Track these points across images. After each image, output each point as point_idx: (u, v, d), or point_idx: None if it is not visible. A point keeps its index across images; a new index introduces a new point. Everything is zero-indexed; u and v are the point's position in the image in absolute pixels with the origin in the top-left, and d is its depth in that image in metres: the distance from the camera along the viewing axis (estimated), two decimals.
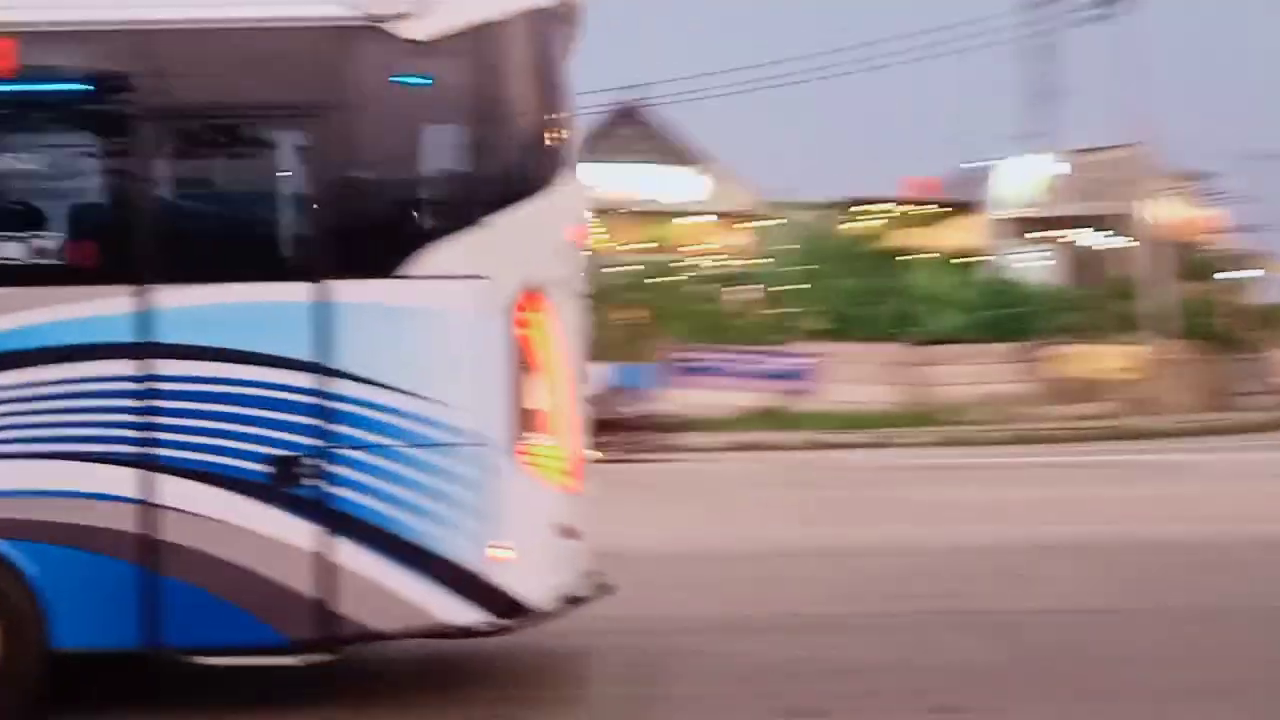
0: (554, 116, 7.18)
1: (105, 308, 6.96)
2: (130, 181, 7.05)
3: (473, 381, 6.95)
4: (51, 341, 6.96)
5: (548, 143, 7.14)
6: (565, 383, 7.18)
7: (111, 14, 7.02)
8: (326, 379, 6.93)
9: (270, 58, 7.00)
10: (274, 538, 6.94)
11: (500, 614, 7.03)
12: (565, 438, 7.19)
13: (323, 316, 6.91)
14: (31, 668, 6.96)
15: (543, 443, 7.06)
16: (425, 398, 6.93)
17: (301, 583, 6.94)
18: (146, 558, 6.93)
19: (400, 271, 6.95)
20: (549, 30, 7.23)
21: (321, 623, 6.97)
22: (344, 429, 6.94)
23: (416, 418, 6.93)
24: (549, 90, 7.19)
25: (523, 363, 6.99)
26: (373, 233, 7.04)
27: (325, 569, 6.93)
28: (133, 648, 7.05)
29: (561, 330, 7.14)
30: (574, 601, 7.44)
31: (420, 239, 6.98)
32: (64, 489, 6.95)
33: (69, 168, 7.36)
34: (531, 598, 7.06)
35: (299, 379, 6.93)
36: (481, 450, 6.92)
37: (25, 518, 6.93)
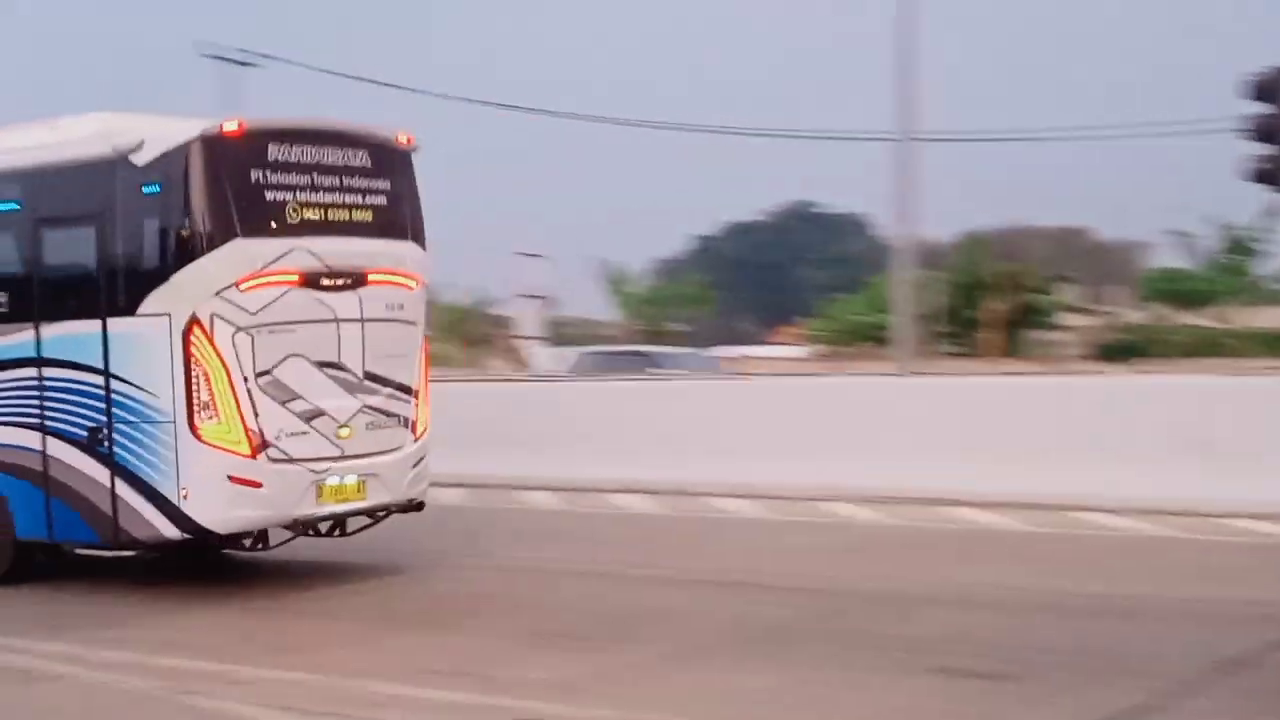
0: (218, 206, 10.79)
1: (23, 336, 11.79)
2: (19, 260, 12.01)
3: (166, 380, 10.90)
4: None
5: (208, 223, 10.81)
6: (229, 382, 10.80)
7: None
8: (107, 378, 11.23)
9: (71, 181, 11.49)
10: (93, 476, 11.36)
11: (193, 534, 11.02)
12: (234, 418, 10.82)
13: (104, 340, 11.21)
14: (9, 548, 11.96)
15: (211, 420, 10.79)
16: (147, 390, 11.02)
17: (105, 505, 11.30)
18: (46, 485, 11.64)
19: (137, 311, 11.08)
20: (218, 148, 10.84)
21: (116, 531, 11.29)
22: (115, 409, 11.21)
23: (144, 403, 11.04)
24: (214, 186, 10.78)
25: (194, 368, 10.76)
26: (125, 288, 11.20)
27: (114, 498, 11.24)
28: (46, 539, 11.80)
29: (227, 346, 10.77)
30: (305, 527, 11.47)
31: (145, 291, 11.04)
32: (18, 444, 11.87)
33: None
34: (211, 524, 10.97)
35: (96, 378, 11.30)
36: (173, 425, 10.85)
37: (3, 461, 11.96)
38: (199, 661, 8.93)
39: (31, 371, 11.70)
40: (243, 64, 38.16)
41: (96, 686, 8.52)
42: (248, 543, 11.68)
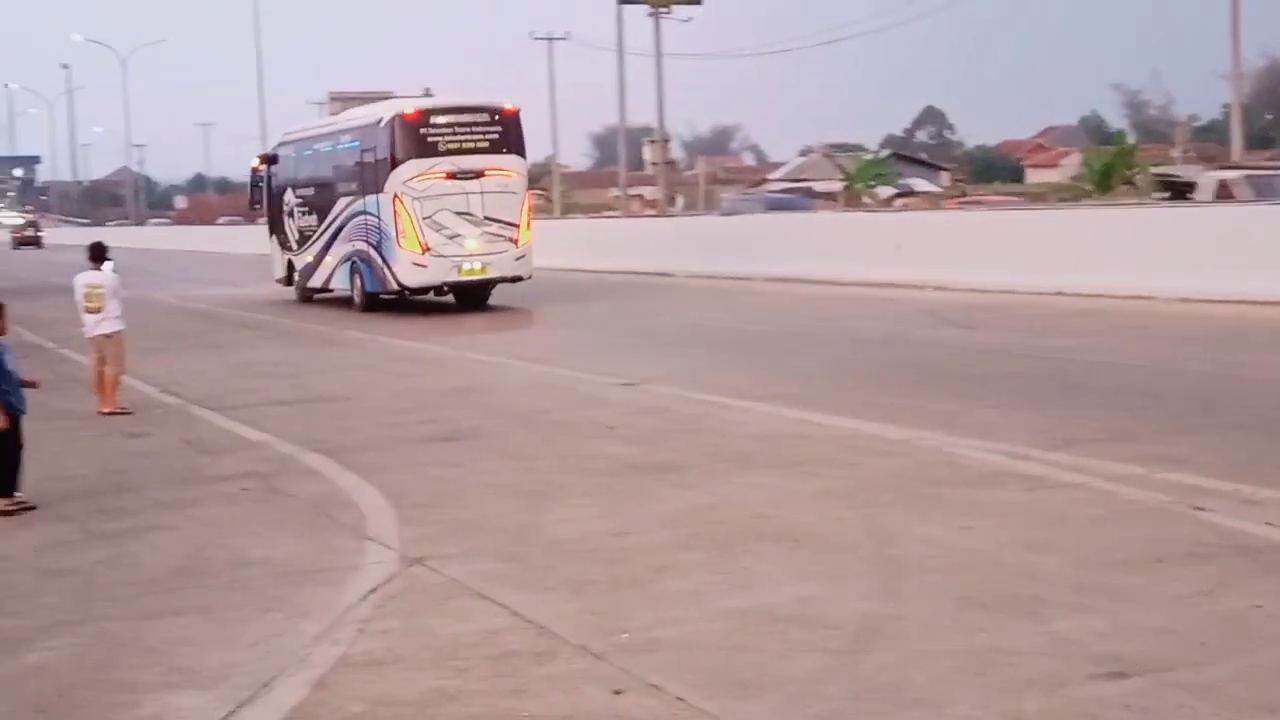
0: (402, 144, 23.81)
1: None
2: (357, 166, 25.63)
3: (390, 221, 23.77)
4: None
5: (398, 152, 23.81)
6: (411, 221, 23.56)
7: None
8: (378, 219, 24.44)
9: (368, 133, 25.03)
10: (377, 261, 24.70)
11: (400, 288, 24.28)
12: (413, 237, 23.55)
13: (376, 203, 24.44)
14: (364, 293, 25.46)
15: (404, 238, 23.62)
16: (385, 224, 23.94)
17: (380, 274, 24.56)
18: (369, 264, 25.24)
19: (382, 190, 24.02)
20: (402, 120, 23.77)
21: (384, 286, 24.66)
22: (379, 233, 24.44)
23: (385, 231, 24.04)
24: (401, 137, 23.84)
25: (398, 215, 23.76)
26: (377, 180, 24.27)
27: (382, 270, 24.42)
28: (373, 290, 25.22)
29: (409, 206, 23.57)
30: (452, 287, 24.83)
31: (383, 181, 23.97)
32: (358, 248, 25.89)
33: None
34: (405, 284, 24.16)
35: (374, 219, 24.74)
36: (393, 240, 23.78)
37: (356, 256, 25.80)
38: (1205, 479, 8.64)
39: (360, 219, 25.07)
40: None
41: (1104, 495, 8.40)
42: (430, 293, 24.75)
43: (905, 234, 27.36)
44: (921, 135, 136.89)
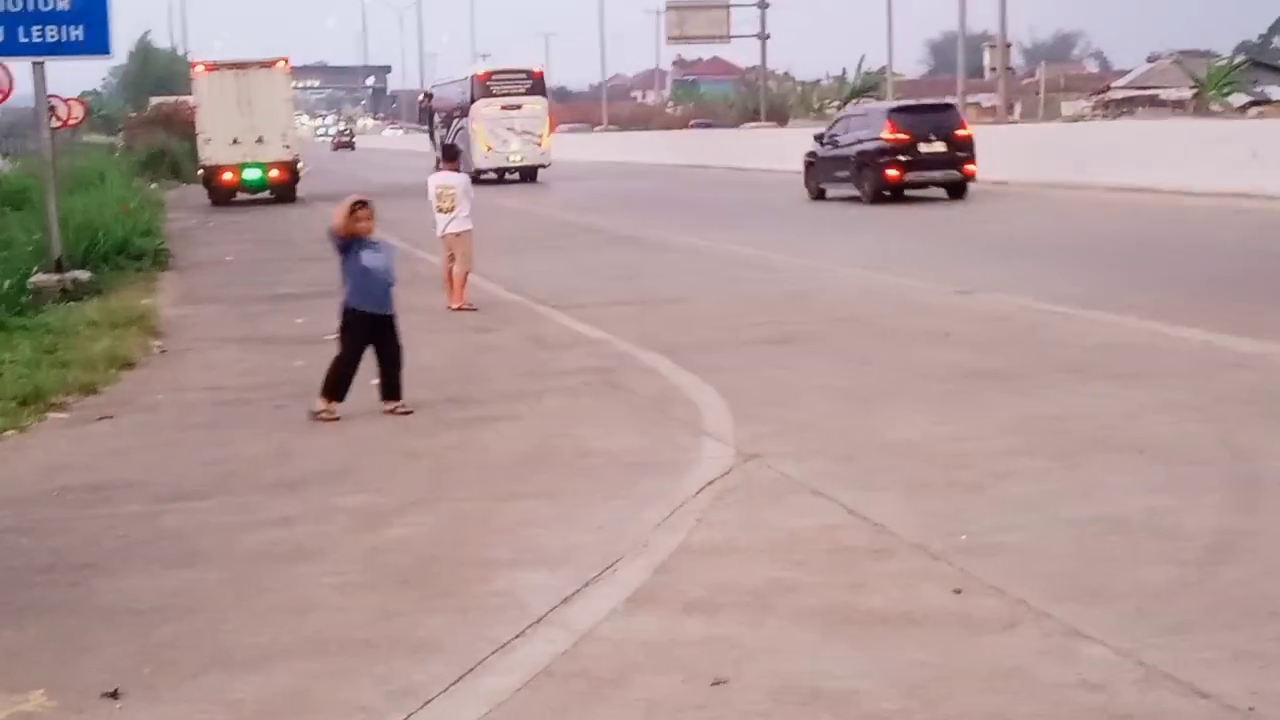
0: (476, 91, 43.36)
1: None
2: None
3: (475, 134, 42.52)
4: None
5: (473, 95, 43.25)
6: (483, 134, 42.64)
7: None
8: (475, 131, 43.68)
9: (466, 86, 45.06)
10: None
11: (479, 171, 40.76)
12: (484, 142, 42.47)
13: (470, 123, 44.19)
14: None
15: (479, 141, 42.35)
16: (472, 136, 42.52)
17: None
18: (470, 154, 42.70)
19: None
20: (477, 79, 43.73)
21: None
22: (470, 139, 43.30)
23: (471, 141, 42.10)
24: (476, 88, 43.19)
25: (474, 130, 42.72)
26: (468, 109, 43.46)
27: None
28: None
29: (480, 125, 42.66)
30: (503, 171, 43.93)
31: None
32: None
33: None
34: (480, 167, 41.32)
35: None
36: (476, 143, 42.19)
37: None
38: None
39: (461, 131, 43.17)
40: None
41: None
42: (493, 175, 42.47)
43: (1262, 142, 25.84)
44: (1278, 42, 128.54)
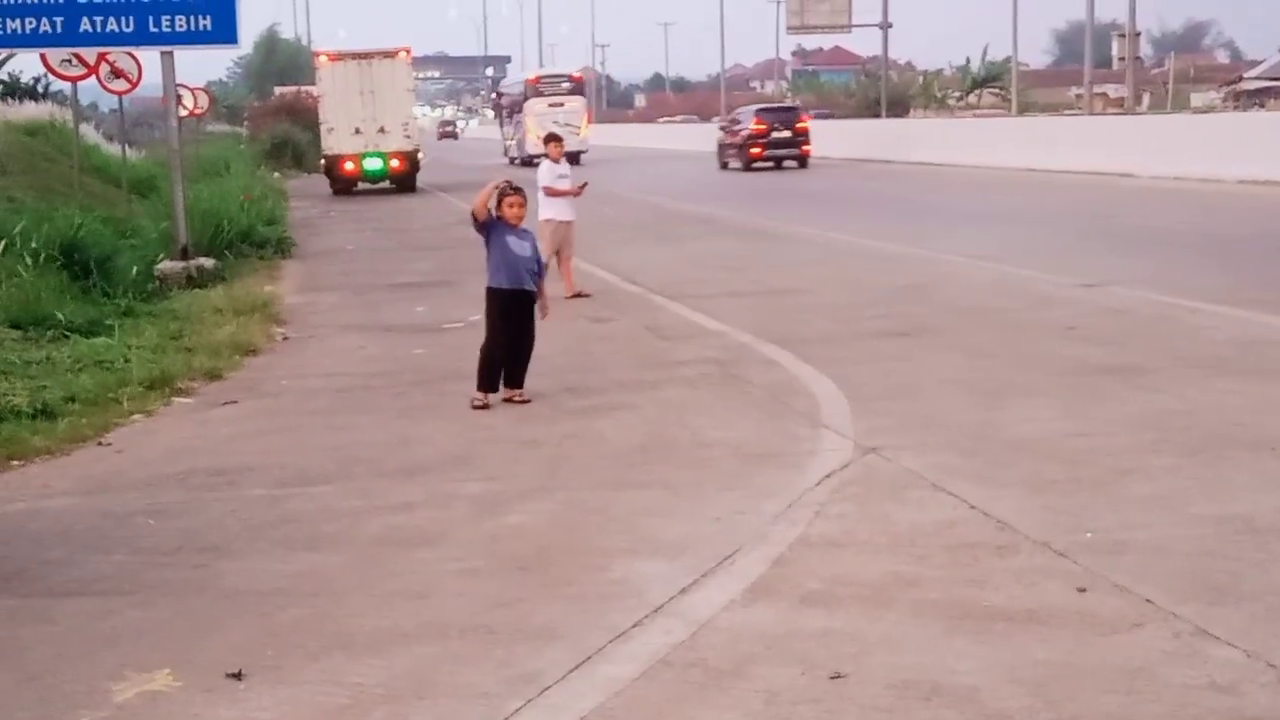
0: (529, 92, 53.02)
1: None
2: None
3: (530, 128, 49.37)
4: None
5: (527, 95, 52.78)
6: (535, 127, 47.80)
7: None
8: (526, 126, 51.95)
9: (524, 89, 54.97)
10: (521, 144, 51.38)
11: (527, 158, 47.93)
12: (536, 133, 41.76)
13: (525, 117, 52.81)
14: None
15: (529, 133, 48.49)
16: (527, 130, 50.17)
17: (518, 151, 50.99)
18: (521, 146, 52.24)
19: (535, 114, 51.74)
20: (530, 82, 53.94)
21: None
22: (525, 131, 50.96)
23: (525, 134, 50.59)
24: (529, 89, 53.00)
25: (527, 125, 50.94)
26: (520, 106, 53.79)
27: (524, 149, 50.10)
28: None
29: (531, 120, 50.42)
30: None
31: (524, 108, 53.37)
32: None
33: None
34: (529, 153, 46.53)
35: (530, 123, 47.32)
36: (528, 133, 49.25)
37: None
38: None
39: (519, 125, 52.46)
40: None
41: None
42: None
43: None
44: None
